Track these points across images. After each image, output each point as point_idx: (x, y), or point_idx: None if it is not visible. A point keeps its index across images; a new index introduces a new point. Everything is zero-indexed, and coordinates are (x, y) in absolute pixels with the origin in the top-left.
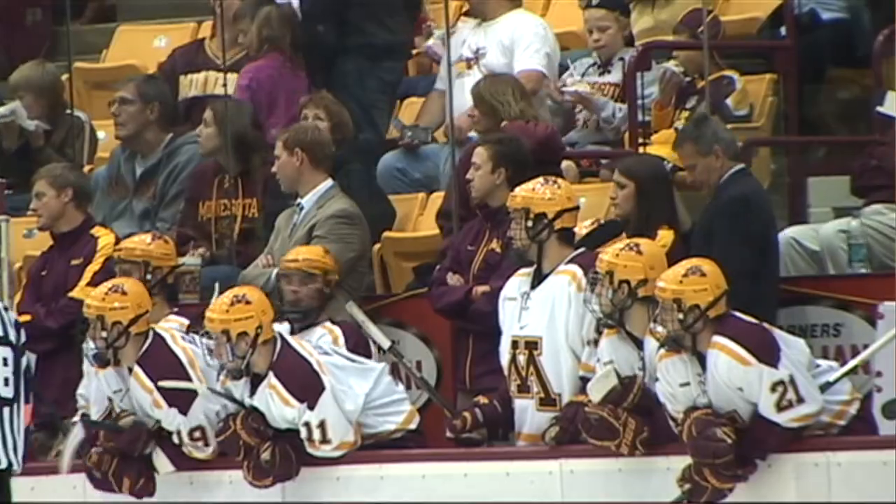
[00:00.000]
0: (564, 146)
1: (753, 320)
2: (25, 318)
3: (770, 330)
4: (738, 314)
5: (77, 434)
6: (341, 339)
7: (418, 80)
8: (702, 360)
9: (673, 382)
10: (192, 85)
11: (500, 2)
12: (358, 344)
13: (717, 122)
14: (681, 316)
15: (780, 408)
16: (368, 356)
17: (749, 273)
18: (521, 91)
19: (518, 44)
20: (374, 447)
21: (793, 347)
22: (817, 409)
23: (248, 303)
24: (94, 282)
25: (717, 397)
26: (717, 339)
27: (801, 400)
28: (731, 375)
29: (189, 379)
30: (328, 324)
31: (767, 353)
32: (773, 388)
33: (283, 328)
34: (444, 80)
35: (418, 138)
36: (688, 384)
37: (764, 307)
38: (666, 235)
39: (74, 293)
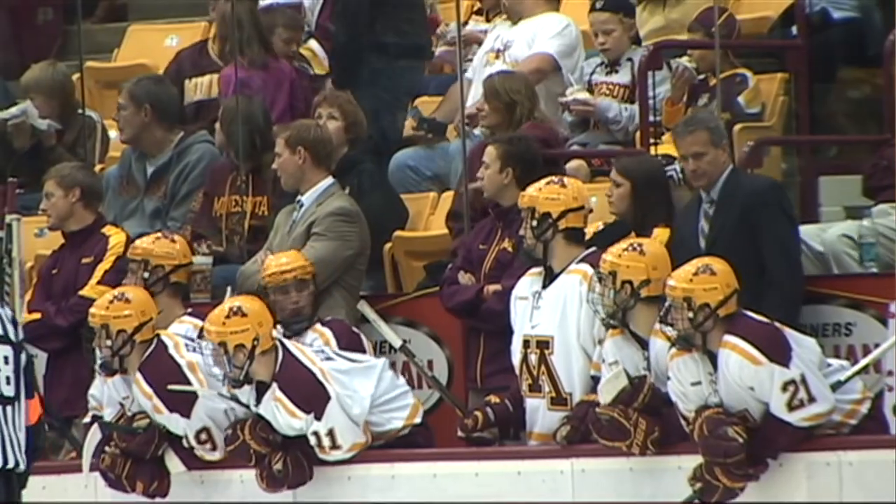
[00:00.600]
0: (565, 142)
1: (764, 319)
2: (36, 316)
3: (781, 329)
4: (749, 313)
5: (95, 435)
6: (332, 341)
7: (430, 80)
8: (713, 359)
9: (684, 381)
10: (196, 89)
11: (537, 2)
12: (350, 343)
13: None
14: (691, 315)
15: (791, 407)
16: (363, 353)
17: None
18: (532, 90)
19: (538, 35)
20: (384, 446)
21: (804, 346)
22: (829, 408)
23: (244, 315)
24: (105, 280)
25: (729, 396)
26: (729, 338)
27: (812, 399)
28: (743, 375)
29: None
30: (318, 326)
31: (779, 353)
32: (785, 388)
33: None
34: (474, 69)
35: (434, 131)
36: (699, 383)
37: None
38: (661, 233)
39: (85, 292)
